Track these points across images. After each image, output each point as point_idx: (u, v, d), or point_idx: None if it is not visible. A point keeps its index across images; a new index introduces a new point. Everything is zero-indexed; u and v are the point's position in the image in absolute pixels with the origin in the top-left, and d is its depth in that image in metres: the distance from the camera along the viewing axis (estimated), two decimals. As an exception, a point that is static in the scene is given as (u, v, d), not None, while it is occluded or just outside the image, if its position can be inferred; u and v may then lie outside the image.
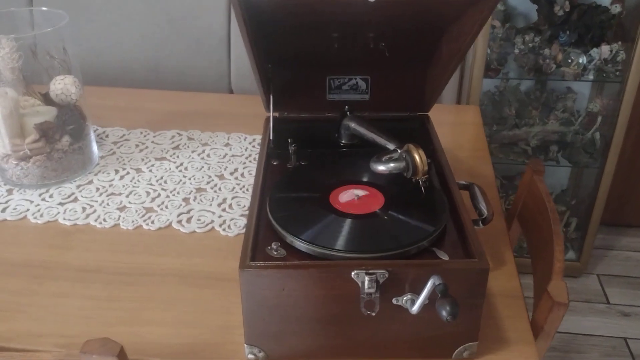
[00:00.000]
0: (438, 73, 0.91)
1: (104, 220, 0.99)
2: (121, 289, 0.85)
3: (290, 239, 0.71)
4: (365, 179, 0.82)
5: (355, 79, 0.97)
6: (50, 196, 1.05)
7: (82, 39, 1.73)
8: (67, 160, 1.08)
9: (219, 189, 1.08)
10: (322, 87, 0.98)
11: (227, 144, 1.22)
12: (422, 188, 0.77)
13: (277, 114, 1.00)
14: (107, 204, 1.03)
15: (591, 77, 1.65)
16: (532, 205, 1.02)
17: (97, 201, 1.04)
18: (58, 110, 1.09)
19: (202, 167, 1.14)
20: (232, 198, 1.05)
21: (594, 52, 1.62)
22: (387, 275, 0.66)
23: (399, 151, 0.79)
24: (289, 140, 0.88)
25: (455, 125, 1.35)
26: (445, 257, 0.69)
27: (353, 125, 0.91)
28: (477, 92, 1.62)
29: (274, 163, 0.89)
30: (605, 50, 1.61)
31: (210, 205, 1.03)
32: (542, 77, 1.69)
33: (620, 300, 1.86)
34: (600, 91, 1.78)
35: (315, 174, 0.85)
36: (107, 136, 1.25)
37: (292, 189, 0.81)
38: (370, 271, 0.65)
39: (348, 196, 0.78)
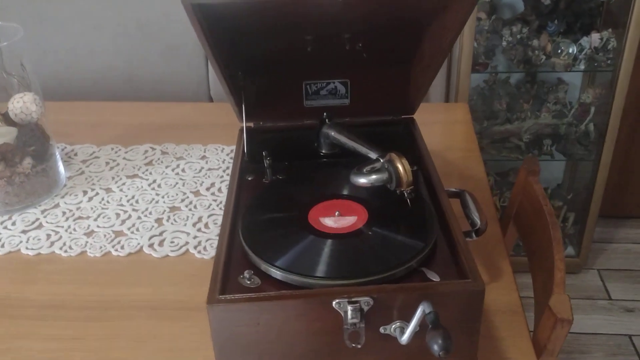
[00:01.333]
0: (421, 73, 0.84)
1: (70, 247, 0.92)
2: (87, 326, 0.78)
3: (265, 266, 0.64)
4: (347, 193, 0.76)
5: (334, 82, 0.90)
6: (13, 224, 0.98)
7: (50, 51, 1.66)
8: (30, 184, 1.01)
9: (194, 206, 1.01)
10: (298, 93, 0.91)
11: (203, 157, 1.15)
12: (408, 200, 0.70)
13: (251, 124, 0.94)
14: (74, 230, 0.96)
15: (582, 67, 1.59)
16: (529, 207, 0.96)
17: (62, 227, 0.97)
18: (18, 130, 1.02)
19: (177, 183, 1.07)
20: (209, 216, 0.98)
21: (584, 41, 1.56)
22: (371, 303, 0.59)
23: (382, 161, 0.72)
24: (264, 153, 0.81)
25: (444, 124, 1.28)
26: (436, 279, 0.63)
27: (332, 133, 0.84)
28: (466, 88, 1.56)
29: (249, 179, 0.83)
30: (595, 38, 1.55)
31: (185, 225, 0.96)
32: (532, 69, 1.63)
33: (623, 295, 1.80)
34: (592, 81, 1.72)
35: (293, 190, 0.78)
36: (75, 154, 1.18)
37: (267, 208, 0.74)
38: (353, 299, 0.59)
39: (328, 213, 0.71)
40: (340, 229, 0.68)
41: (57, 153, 1.07)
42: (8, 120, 1.03)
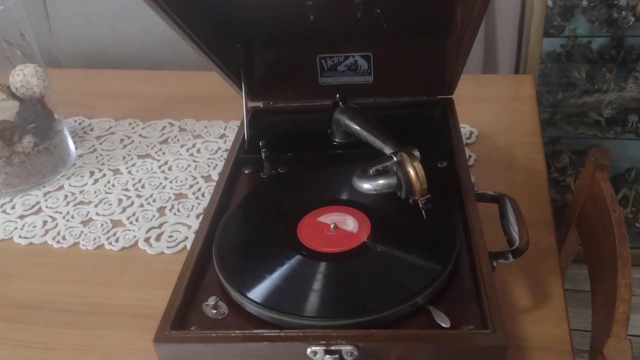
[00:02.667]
0: (455, 46, 0.68)
1: (63, 238, 0.84)
2: (62, 333, 0.70)
3: (234, 295, 0.52)
4: (352, 197, 0.62)
5: (353, 56, 0.75)
6: (13, 207, 0.91)
7: (98, 20, 1.58)
8: (31, 164, 0.93)
9: (202, 194, 0.90)
10: (312, 68, 0.77)
11: (222, 136, 1.04)
12: (423, 212, 0.56)
13: (260, 105, 0.81)
14: (72, 217, 0.88)
15: (682, 30, 1.33)
16: (593, 211, 0.78)
17: (61, 213, 0.89)
18: (20, 106, 0.94)
19: (189, 165, 0.97)
20: (215, 207, 0.87)
21: (685, -2, 1.30)
22: (356, 354, 0.46)
23: (394, 159, 0.58)
24: (261, 144, 0.68)
25: (503, 101, 1.10)
26: (445, 323, 0.48)
27: (345, 120, 0.70)
28: (535, 56, 1.35)
29: (246, 172, 0.70)
30: (700, -5, 1.29)
31: (188, 216, 0.86)
32: (618, 33, 1.39)
33: None
34: (694, 46, 1.45)
35: (288, 191, 0.65)
36: (92, 129, 1.10)
37: (250, 216, 0.61)
38: (331, 347, 0.46)
39: (323, 225, 0.58)
40: (332, 248, 0.55)
41: (64, 130, 0.99)
42: (12, 94, 0.96)
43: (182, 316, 0.51)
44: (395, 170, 0.55)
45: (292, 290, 0.51)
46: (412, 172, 0.54)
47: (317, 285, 0.51)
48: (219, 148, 1.01)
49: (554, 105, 1.56)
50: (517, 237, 0.59)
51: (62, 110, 1.00)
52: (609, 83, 1.48)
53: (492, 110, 1.06)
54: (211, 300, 0.52)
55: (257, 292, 0.51)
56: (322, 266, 0.53)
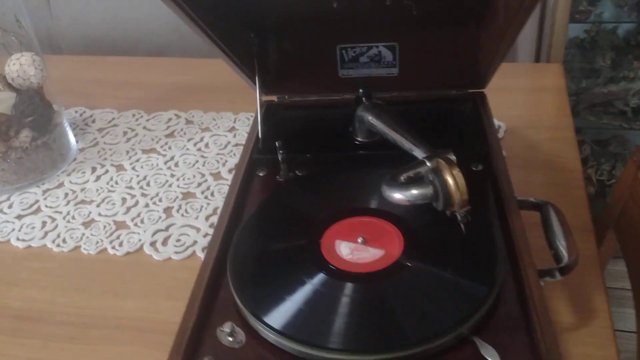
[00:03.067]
0: (494, 36, 0.61)
1: (64, 241, 0.78)
2: (62, 348, 0.64)
3: (253, 321, 0.46)
4: (381, 206, 0.56)
5: (377, 47, 0.69)
6: (10, 206, 0.85)
7: (100, 3, 1.51)
8: (29, 160, 0.88)
9: (212, 193, 0.84)
10: (332, 60, 0.70)
11: (231, 129, 0.98)
12: (462, 225, 0.50)
13: (274, 99, 0.75)
14: (73, 217, 0.82)
15: None
16: (636, 214, 0.72)
17: (61, 212, 0.83)
18: (18, 97, 0.88)
19: (197, 161, 0.91)
20: (226, 207, 0.81)
21: None
22: (392, 394, 0.40)
23: (428, 165, 0.51)
24: (277, 144, 0.62)
25: (530, 92, 1.03)
26: (493, 358, 0.42)
27: (369, 117, 0.63)
28: (561, 43, 1.28)
29: (260, 174, 0.64)
30: None
31: (197, 217, 0.80)
32: (648, 18, 1.32)
33: None
34: None
35: (308, 198, 0.59)
36: (93, 121, 1.04)
37: (267, 227, 0.55)
38: (364, 387, 0.40)
39: (349, 239, 0.52)
40: (359, 266, 0.49)
41: (64, 122, 0.93)
42: (8, 85, 0.89)
43: (194, 344, 0.46)
44: (431, 178, 0.49)
45: (317, 317, 0.45)
46: (451, 181, 0.48)
47: (345, 311, 0.45)
48: (229, 142, 0.95)
49: (576, 94, 1.49)
50: (565, 253, 0.53)
51: (61, 100, 0.94)
52: (635, 71, 1.42)
53: (519, 102, 0.99)
54: (227, 327, 0.46)
55: (277, 319, 0.45)
56: (350, 288, 0.47)
